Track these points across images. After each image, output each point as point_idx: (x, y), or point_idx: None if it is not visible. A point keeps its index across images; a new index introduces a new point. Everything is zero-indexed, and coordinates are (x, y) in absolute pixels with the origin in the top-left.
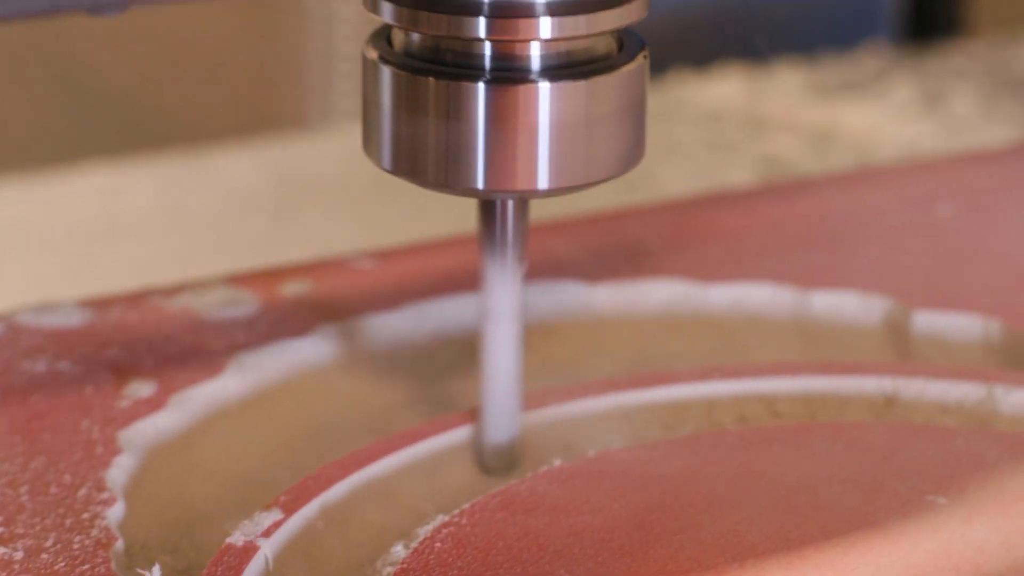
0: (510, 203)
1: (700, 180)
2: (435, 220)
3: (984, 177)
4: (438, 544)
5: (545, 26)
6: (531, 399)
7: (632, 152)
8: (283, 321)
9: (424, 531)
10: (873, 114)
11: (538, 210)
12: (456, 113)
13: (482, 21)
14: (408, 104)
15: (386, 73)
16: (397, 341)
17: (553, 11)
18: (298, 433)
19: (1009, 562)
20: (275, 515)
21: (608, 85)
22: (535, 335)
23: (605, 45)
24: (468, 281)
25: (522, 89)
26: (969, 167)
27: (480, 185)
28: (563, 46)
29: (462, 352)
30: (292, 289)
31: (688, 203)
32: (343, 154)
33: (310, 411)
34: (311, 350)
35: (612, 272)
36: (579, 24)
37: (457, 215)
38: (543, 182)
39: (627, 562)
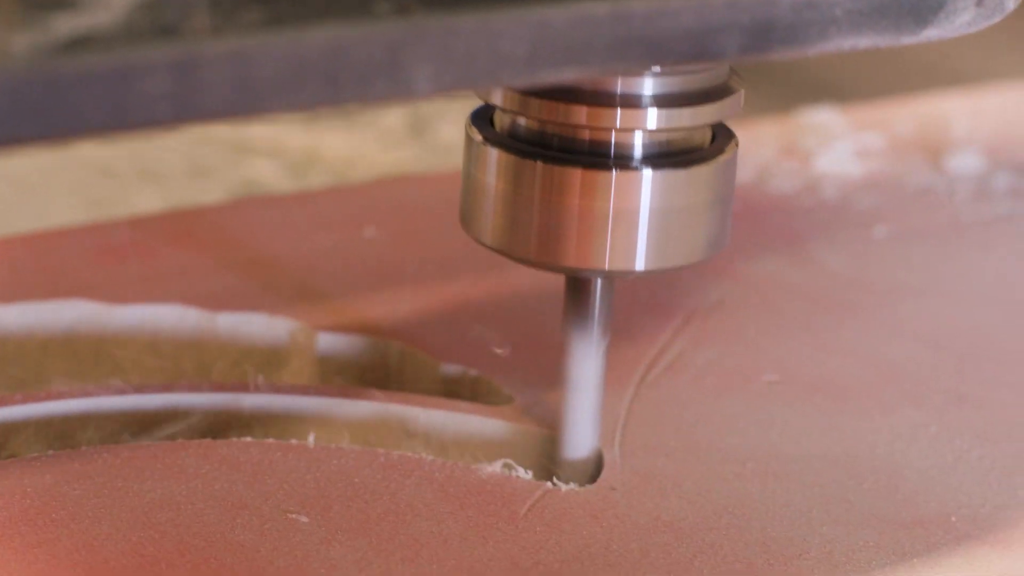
0: (598, 282)
1: (174, 205)
2: None
3: (413, 200)
4: None
5: (651, 117)
6: None
7: (720, 237)
8: None
9: None
10: (357, 140)
11: None
12: (559, 195)
13: (588, 110)
14: (513, 185)
15: (492, 154)
16: None
17: (659, 103)
18: None
19: None
20: None
21: (705, 174)
22: None
23: (701, 136)
24: None
25: (624, 175)
26: (402, 189)
27: (575, 264)
28: (663, 136)
29: None
30: None
31: (110, 225)
32: None
33: None
34: None
35: (25, 293)
36: (683, 116)
37: None
38: (639, 264)
39: None
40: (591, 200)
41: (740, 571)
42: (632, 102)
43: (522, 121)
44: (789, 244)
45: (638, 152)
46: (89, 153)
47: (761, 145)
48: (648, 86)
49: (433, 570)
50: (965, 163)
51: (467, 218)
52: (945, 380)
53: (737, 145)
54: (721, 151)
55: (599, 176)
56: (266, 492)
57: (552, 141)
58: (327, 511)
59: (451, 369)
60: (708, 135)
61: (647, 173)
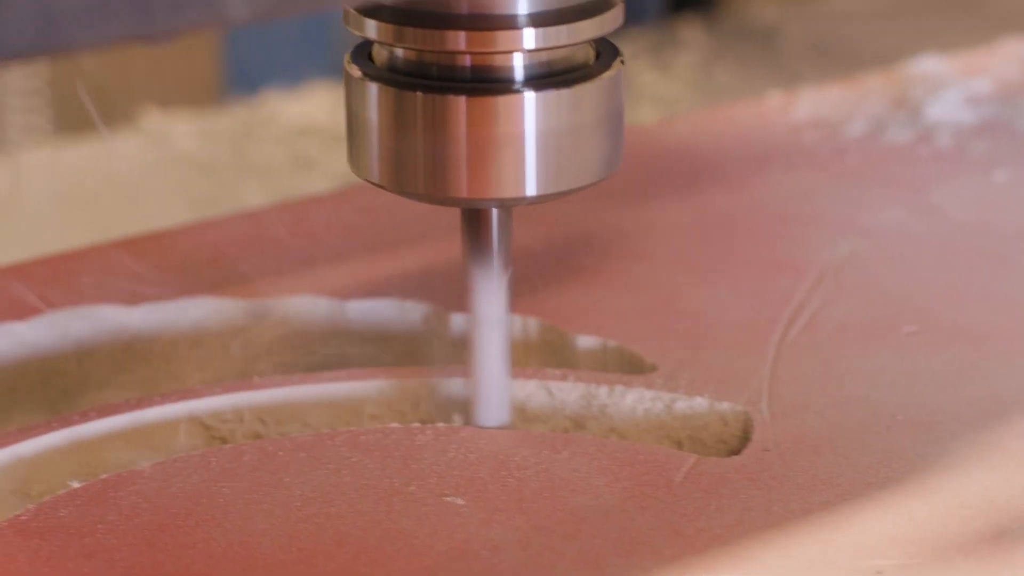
0: (495, 211)
1: (280, 197)
2: (8, 254)
3: None
4: None
5: (528, 37)
6: (55, 422)
7: (612, 156)
8: None
9: None
10: None
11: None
12: (443, 125)
13: (465, 35)
14: (396, 119)
15: (372, 89)
16: None
17: (536, 22)
18: None
19: (523, 560)
20: None
21: (590, 93)
22: (69, 359)
23: (584, 54)
24: (6, 311)
25: (507, 99)
26: None
27: (467, 194)
28: (544, 56)
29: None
30: None
31: (223, 221)
32: None
33: None
34: None
35: (149, 294)
36: (561, 34)
37: (25, 250)
38: (530, 189)
39: None
40: (476, 127)
41: (903, 524)
42: (509, 23)
43: (400, 52)
44: (911, 194)
45: (519, 75)
46: (188, 151)
47: (871, 98)
48: (524, 5)
49: (596, 544)
50: None
51: (354, 158)
52: None
53: (623, 62)
54: (606, 68)
55: (481, 102)
56: (418, 476)
57: (431, 71)
58: (483, 492)
59: (589, 341)
60: (592, 53)
61: (530, 95)
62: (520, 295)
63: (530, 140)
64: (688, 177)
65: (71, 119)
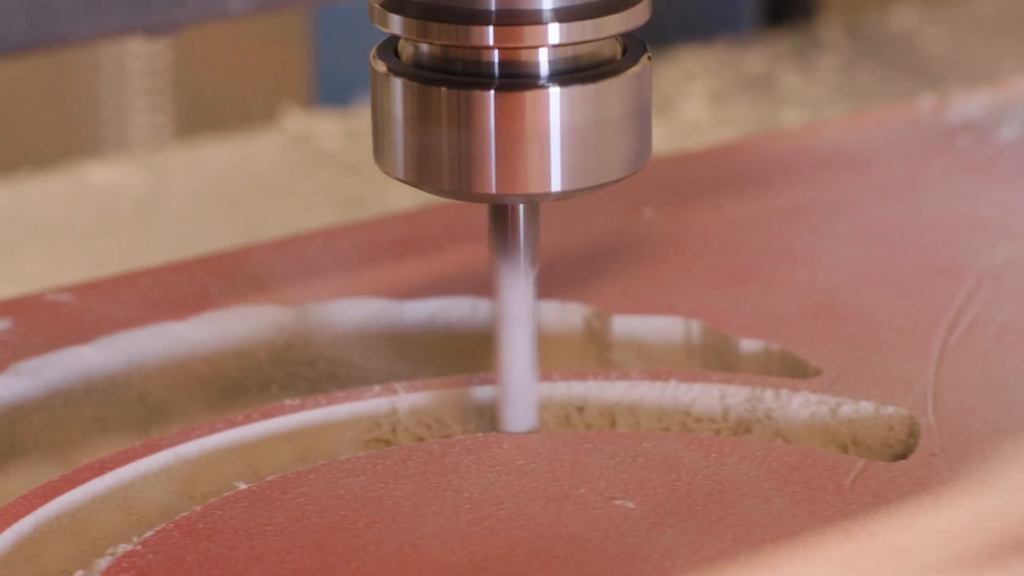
0: (521, 207)
1: (429, 200)
2: (155, 255)
3: (686, 178)
4: (120, 574)
5: (553, 32)
6: (218, 423)
7: (640, 152)
8: None
9: (104, 562)
10: None
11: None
12: (468, 121)
13: (491, 30)
14: (421, 114)
15: (397, 85)
16: (91, 373)
17: (560, 17)
18: None
19: (694, 563)
20: None
21: (616, 88)
22: (228, 359)
23: (610, 49)
24: (166, 311)
25: (534, 95)
26: (673, 168)
27: (494, 190)
28: (570, 51)
29: (155, 381)
30: None
31: (377, 222)
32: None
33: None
34: (4, 386)
35: (309, 292)
36: (586, 29)
37: (171, 250)
38: (556, 185)
39: None
40: (503, 123)
41: None
42: (534, 18)
43: (425, 48)
44: None
45: (545, 70)
46: (331, 151)
47: (1022, 102)
48: (549, 1)
49: (767, 548)
50: None
51: (380, 154)
52: None
53: (650, 57)
54: (632, 63)
55: (509, 98)
56: (587, 479)
57: (456, 66)
58: (652, 495)
59: (752, 345)
60: (618, 49)
61: (555, 91)
62: (680, 296)
63: (556, 135)
64: (842, 180)
65: (195, 119)
